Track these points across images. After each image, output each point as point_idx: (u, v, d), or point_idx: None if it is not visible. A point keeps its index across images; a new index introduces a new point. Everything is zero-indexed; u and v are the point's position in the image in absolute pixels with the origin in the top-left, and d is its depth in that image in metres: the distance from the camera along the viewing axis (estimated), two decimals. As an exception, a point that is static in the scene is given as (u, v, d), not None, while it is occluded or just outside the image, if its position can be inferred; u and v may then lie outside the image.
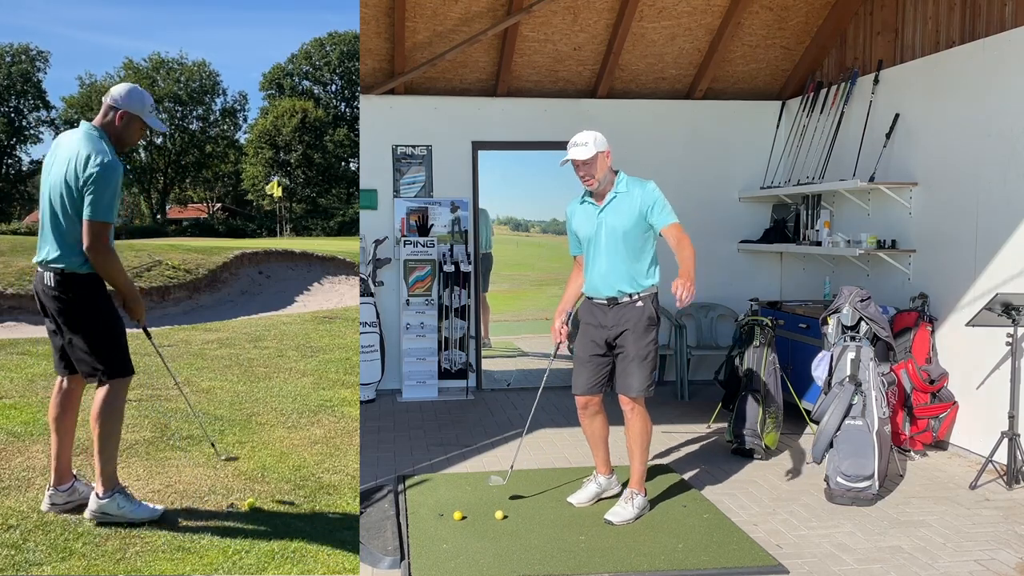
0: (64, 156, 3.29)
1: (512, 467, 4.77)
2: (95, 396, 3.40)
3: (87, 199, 3.21)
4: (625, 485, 4.50)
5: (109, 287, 3.39)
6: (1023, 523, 4.31)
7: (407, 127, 7.69)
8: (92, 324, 3.34)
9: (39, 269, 3.37)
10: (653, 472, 5.15)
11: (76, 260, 3.29)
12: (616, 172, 4.37)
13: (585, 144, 4.20)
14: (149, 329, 3.76)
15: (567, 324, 4.51)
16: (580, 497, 4.58)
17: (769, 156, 7.95)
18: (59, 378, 3.51)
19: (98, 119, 3.39)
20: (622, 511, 4.33)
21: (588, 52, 7.60)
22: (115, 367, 3.38)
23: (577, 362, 4.44)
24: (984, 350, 5.30)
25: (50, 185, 3.31)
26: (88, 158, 3.21)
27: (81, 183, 3.21)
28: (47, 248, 3.32)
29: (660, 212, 4.25)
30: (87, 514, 3.37)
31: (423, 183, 7.72)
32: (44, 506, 3.46)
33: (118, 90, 3.40)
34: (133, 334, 3.56)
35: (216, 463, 4.05)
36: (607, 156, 4.27)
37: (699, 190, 8.02)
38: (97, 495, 3.36)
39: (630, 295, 4.27)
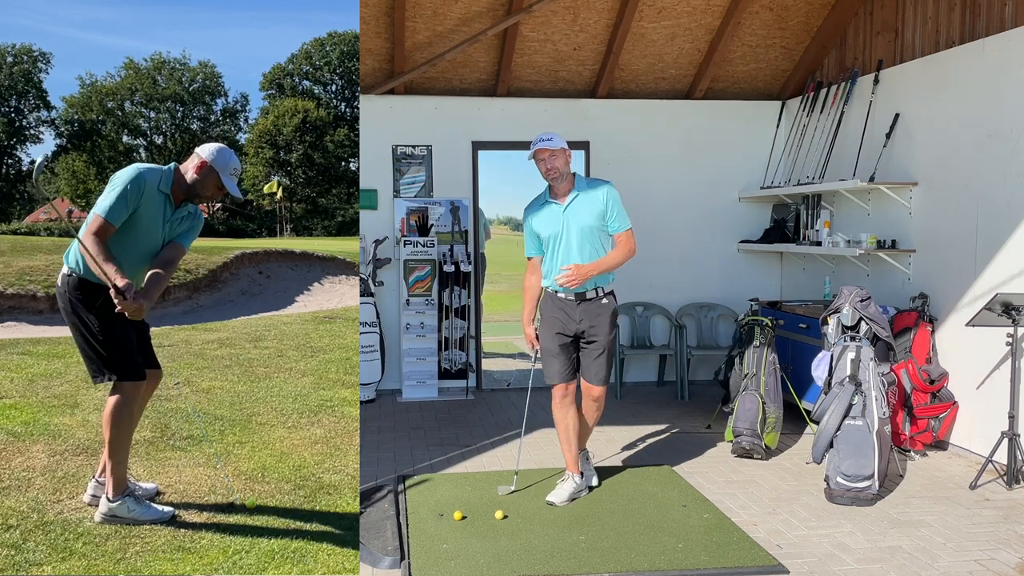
0: None
1: (517, 473, 4.84)
2: (107, 401, 3.45)
3: None
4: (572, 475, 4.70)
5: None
6: (1023, 523, 4.32)
7: (407, 127, 7.69)
8: (97, 325, 3.38)
9: (63, 271, 3.45)
10: (653, 472, 5.16)
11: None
12: (574, 173, 4.53)
13: (551, 138, 4.39)
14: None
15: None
16: (560, 496, 4.59)
17: (769, 156, 7.95)
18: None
19: (185, 163, 3.53)
20: (562, 491, 4.56)
21: (588, 52, 7.60)
22: (122, 370, 3.42)
23: (547, 354, 4.56)
24: (984, 350, 5.30)
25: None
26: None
27: None
28: (74, 252, 3.42)
29: (617, 216, 4.42)
30: (97, 516, 3.40)
31: (423, 183, 7.72)
32: (86, 498, 3.54)
33: (210, 145, 3.58)
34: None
35: (216, 463, 4.05)
36: (569, 156, 4.44)
37: (699, 190, 8.03)
38: (107, 498, 3.39)
39: (596, 290, 4.46)
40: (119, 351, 3.42)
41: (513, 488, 4.68)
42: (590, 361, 4.52)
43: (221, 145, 3.59)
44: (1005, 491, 4.81)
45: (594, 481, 4.84)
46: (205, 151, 3.52)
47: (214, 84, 39.78)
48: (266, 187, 27.24)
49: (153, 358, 3.70)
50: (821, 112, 7.30)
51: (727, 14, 7.24)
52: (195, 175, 3.48)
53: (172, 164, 3.52)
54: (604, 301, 4.47)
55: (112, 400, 3.42)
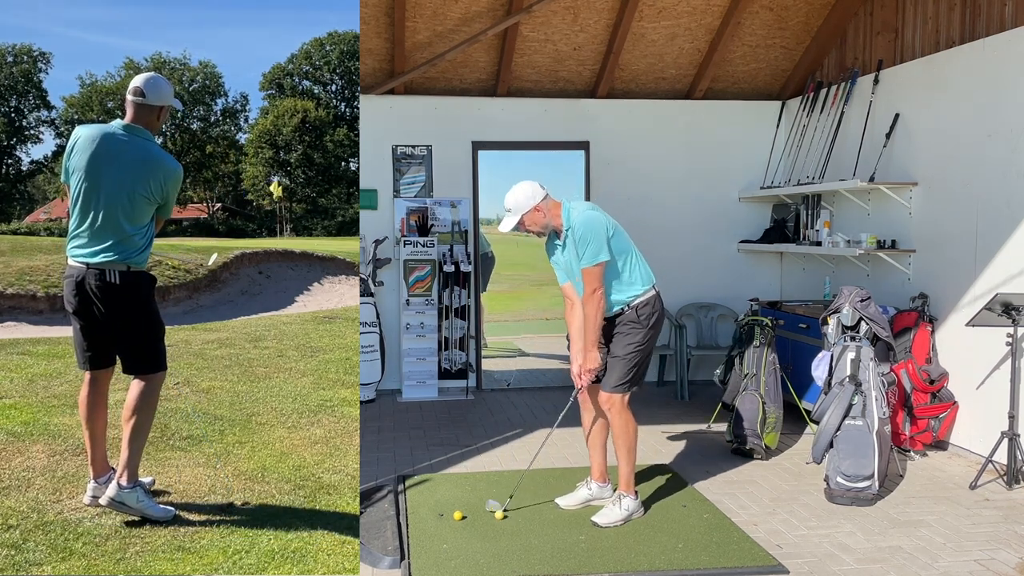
0: None
1: (512, 496, 4.51)
2: (131, 389, 3.48)
3: None
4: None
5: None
6: (1023, 523, 4.32)
7: (407, 127, 7.69)
8: (147, 319, 3.50)
9: (86, 267, 3.39)
10: (653, 472, 5.16)
11: (140, 256, 3.46)
12: (560, 204, 4.32)
13: (509, 211, 4.29)
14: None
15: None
16: (568, 500, 4.57)
17: (769, 156, 7.95)
18: (86, 375, 3.59)
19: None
20: (608, 513, 4.33)
21: (588, 52, 7.60)
22: (160, 362, 3.54)
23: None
24: (984, 350, 5.30)
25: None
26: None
27: None
28: (103, 246, 3.40)
29: (585, 254, 4.20)
30: (103, 500, 3.41)
31: (423, 183, 7.72)
32: (86, 499, 3.54)
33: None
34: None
35: (216, 463, 4.05)
36: (538, 207, 4.25)
37: (699, 190, 8.03)
38: (120, 484, 3.40)
39: (623, 309, 4.36)
40: (160, 342, 3.56)
41: (504, 508, 4.41)
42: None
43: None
44: (1005, 491, 4.81)
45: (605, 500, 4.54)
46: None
47: (214, 84, 39.71)
48: (272, 187, 27.30)
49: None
50: (821, 112, 7.30)
51: (727, 14, 7.24)
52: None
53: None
54: (625, 314, 4.34)
55: (138, 389, 3.47)
